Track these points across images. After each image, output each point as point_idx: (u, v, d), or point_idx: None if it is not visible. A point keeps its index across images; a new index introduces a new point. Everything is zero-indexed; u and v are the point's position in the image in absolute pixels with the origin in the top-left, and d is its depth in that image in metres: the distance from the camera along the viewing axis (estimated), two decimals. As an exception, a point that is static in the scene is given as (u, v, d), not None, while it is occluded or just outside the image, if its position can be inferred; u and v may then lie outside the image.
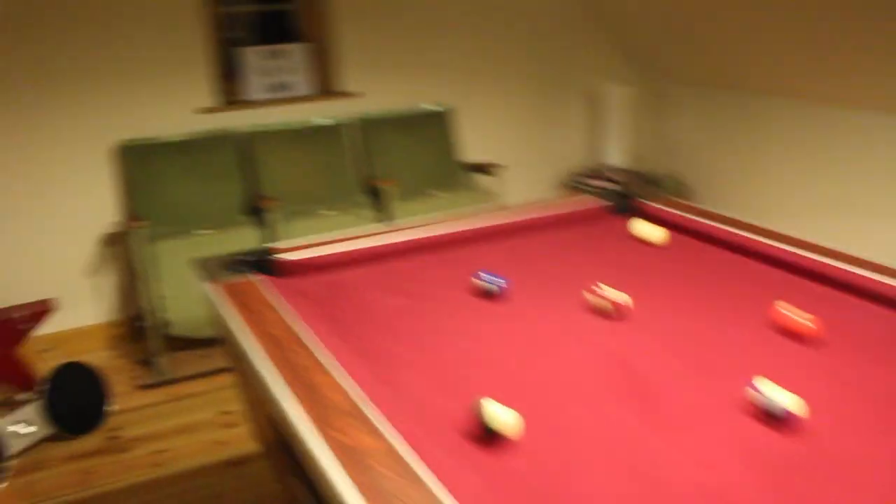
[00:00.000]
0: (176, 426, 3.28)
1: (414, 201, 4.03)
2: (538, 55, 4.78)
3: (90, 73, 3.70)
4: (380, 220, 3.96)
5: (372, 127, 4.24)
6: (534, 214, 2.50)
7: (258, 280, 1.97)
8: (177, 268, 3.54)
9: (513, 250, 2.31)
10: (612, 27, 4.81)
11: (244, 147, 3.98)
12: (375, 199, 4.10)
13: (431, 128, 4.39)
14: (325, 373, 1.48)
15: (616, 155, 4.83)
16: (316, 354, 1.56)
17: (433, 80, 4.50)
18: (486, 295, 1.98)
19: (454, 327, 1.80)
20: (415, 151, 4.32)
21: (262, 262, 2.08)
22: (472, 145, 4.70)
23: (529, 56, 4.75)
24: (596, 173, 4.59)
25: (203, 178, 3.84)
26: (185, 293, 3.59)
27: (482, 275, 1.96)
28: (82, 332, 3.95)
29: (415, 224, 2.42)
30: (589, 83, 5.01)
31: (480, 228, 2.41)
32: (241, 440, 3.15)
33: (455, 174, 4.41)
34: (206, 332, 3.72)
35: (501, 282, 1.96)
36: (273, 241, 3.67)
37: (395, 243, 2.28)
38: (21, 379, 3.49)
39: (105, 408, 3.29)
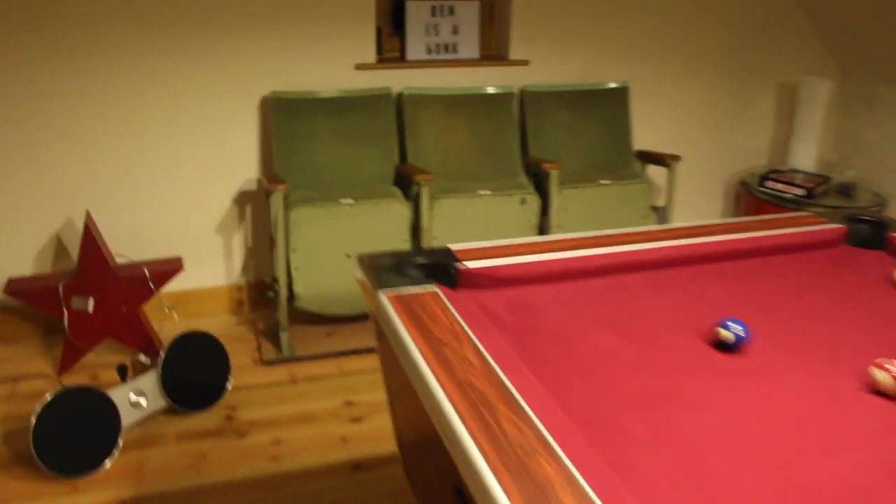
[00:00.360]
0: (296, 413, 2.97)
1: (578, 188, 3.57)
2: (729, 36, 4.19)
3: (246, 15, 3.37)
4: (540, 206, 3.52)
5: (536, 100, 3.78)
6: (753, 235, 2.00)
7: (437, 293, 1.57)
8: (313, 237, 3.21)
9: (737, 282, 1.83)
10: (821, 12, 4.17)
11: (399, 110, 3.60)
12: (536, 180, 3.66)
13: (604, 106, 3.89)
14: (544, 453, 1.07)
15: (804, 157, 4.22)
16: (527, 419, 1.15)
17: (606, 54, 3.99)
18: (721, 345, 1.52)
19: (692, 392, 1.35)
20: (582, 131, 3.84)
21: (442, 269, 1.68)
22: (639, 131, 4.18)
23: (719, 37, 4.16)
24: (779, 176, 4.00)
25: (352, 141, 3.49)
26: (317, 265, 3.26)
27: (729, 324, 1.50)
28: (204, 292, 3.70)
29: (610, 236, 1.98)
30: (783, 74, 4.38)
31: (691, 248, 1.94)
32: (366, 439, 2.80)
33: (625, 162, 3.91)
34: (336, 310, 3.40)
35: (741, 330, 1.50)
36: (422, 218, 3.28)
37: (593, 259, 1.84)
38: (142, 339, 3.25)
39: (224, 384, 3.00)
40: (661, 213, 3.81)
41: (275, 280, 3.26)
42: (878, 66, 4.13)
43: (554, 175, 3.46)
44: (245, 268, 3.74)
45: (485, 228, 3.46)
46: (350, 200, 3.23)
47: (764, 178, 4.00)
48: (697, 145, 4.36)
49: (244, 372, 3.25)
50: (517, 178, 3.67)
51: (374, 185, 3.49)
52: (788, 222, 2.12)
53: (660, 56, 4.09)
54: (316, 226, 3.20)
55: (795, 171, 4.16)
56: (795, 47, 4.33)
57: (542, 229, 3.60)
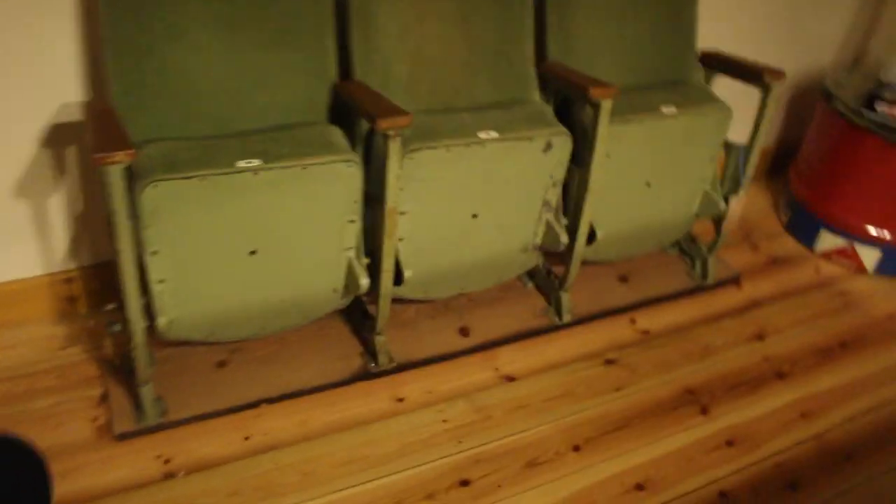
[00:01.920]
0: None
1: (630, 121, 2.19)
2: None
3: None
4: (570, 149, 2.14)
5: (560, -33, 2.29)
6: None
7: None
8: (186, 229, 1.74)
9: None
10: None
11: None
12: (556, 102, 2.25)
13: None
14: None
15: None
16: None
17: None
18: None
19: None
20: (628, 22, 2.41)
21: None
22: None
23: None
24: (893, 96, 2.73)
25: (256, 42, 1.93)
26: (198, 273, 1.81)
27: None
28: (9, 290, 2.19)
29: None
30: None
31: None
32: None
33: (685, 71, 2.53)
34: (233, 334, 1.99)
35: None
36: (387, 187, 1.86)
37: None
38: None
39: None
40: (738, 156, 2.49)
41: (119, 307, 1.79)
42: None
43: (605, 108, 2.05)
44: (76, 245, 2.23)
45: (483, 194, 2.07)
46: (255, 161, 1.75)
47: (871, 96, 2.72)
48: (752, 32, 3.02)
49: (80, 458, 1.86)
50: (531, 101, 2.24)
51: (295, 125, 1.98)
52: None
53: None
54: (191, 211, 1.72)
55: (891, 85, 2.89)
56: None
57: (568, 188, 2.24)
